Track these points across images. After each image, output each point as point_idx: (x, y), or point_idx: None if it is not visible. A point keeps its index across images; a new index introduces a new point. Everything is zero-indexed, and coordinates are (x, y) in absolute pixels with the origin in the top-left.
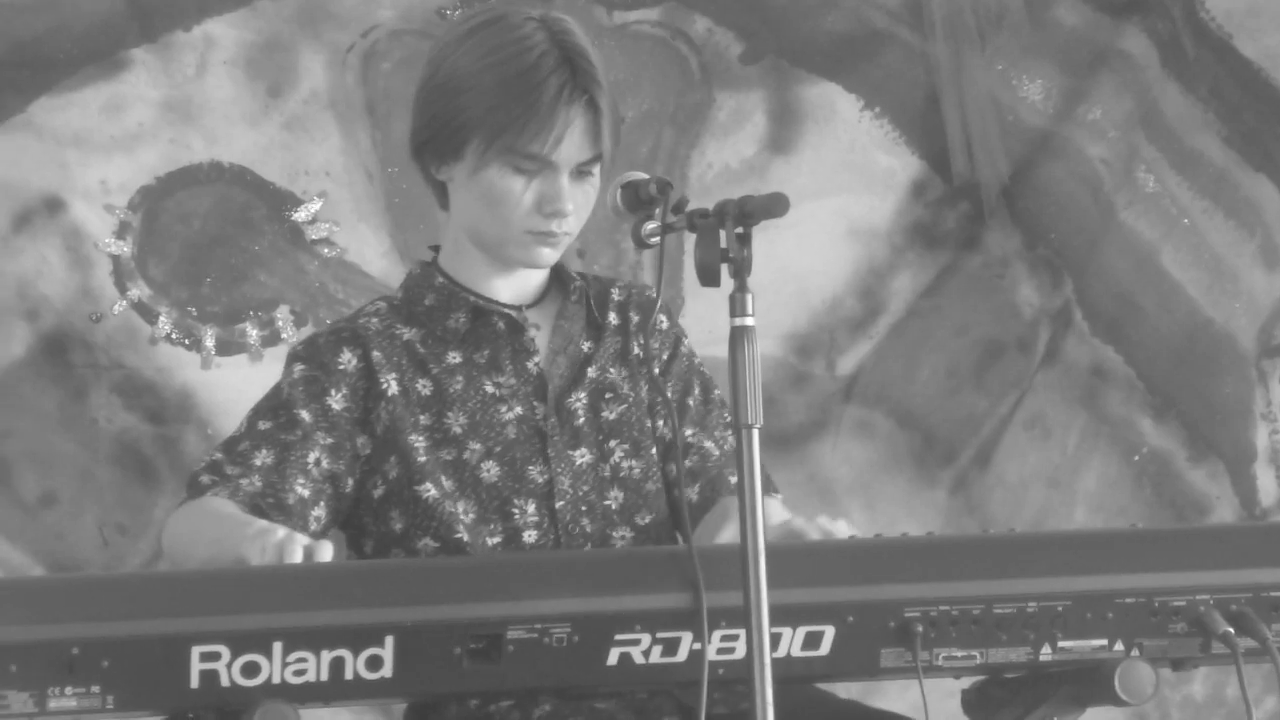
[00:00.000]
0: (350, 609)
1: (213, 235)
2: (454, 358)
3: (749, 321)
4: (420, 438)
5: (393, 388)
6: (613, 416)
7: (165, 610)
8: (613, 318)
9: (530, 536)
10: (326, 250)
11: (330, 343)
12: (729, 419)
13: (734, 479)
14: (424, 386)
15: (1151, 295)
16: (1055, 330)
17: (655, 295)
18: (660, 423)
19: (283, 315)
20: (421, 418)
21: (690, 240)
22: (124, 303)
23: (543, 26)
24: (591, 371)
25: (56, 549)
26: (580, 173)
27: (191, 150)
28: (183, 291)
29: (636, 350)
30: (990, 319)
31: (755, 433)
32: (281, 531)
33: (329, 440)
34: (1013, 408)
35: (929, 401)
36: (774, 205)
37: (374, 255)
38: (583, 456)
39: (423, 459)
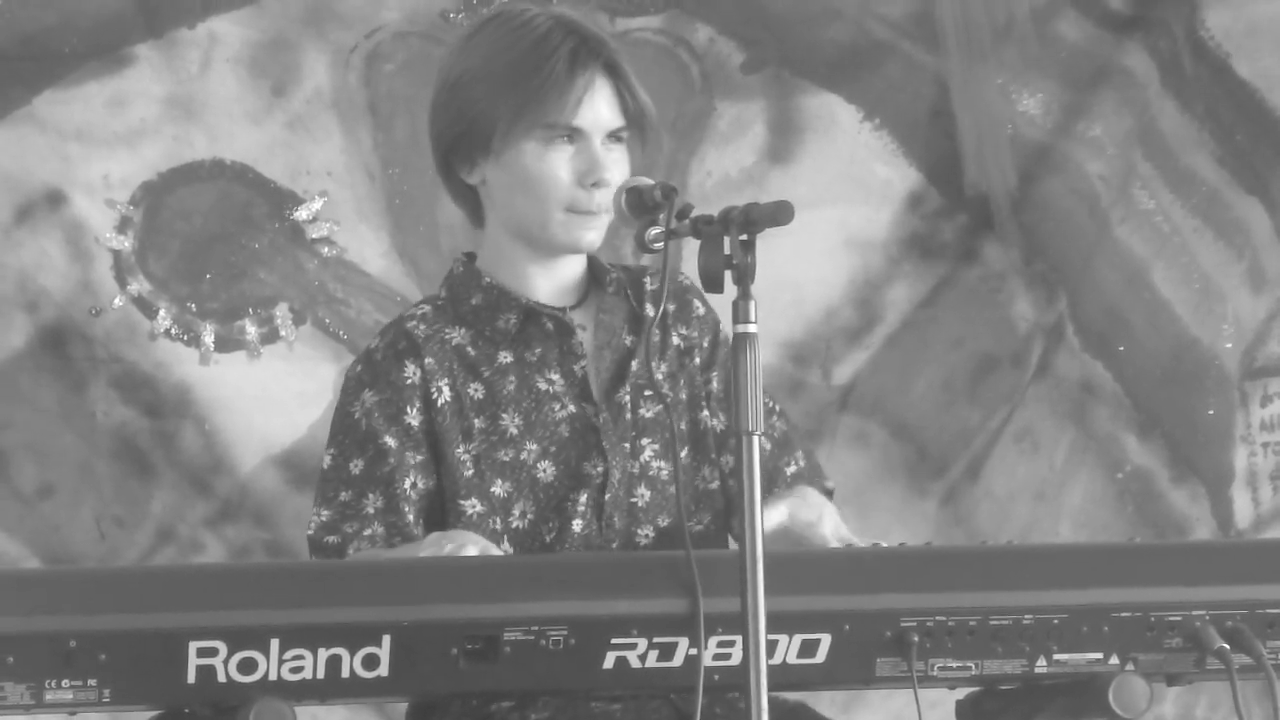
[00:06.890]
0: (348, 607)
1: (213, 232)
2: (505, 357)
3: (751, 328)
4: (465, 451)
5: (444, 395)
6: (649, 415)
7: (163, 605)
8: (649, 309)
9: (576, 526)
10: (326, 249)
11: (390, 358)
12: (770, 404)
13: (789, 469)
14: (476, 390)
15: (1141, 313)
16: (1048, 345)
17: (660, 289)
18: (705, 413)
19: (281, 313)
20: (477, 421)
21: (689, 245)
22: (123, 297)
23: (546, 13)
24: (634, 366)
25: (53, 541)
26: (612, 141)
27: (194, 147)
28: (182, 287)
29: (676, 341)
30: (985, 332)
31: (756, 440)
32: (451, 545)
33: (419, 458)
34: (1004, 421)
35: (924, 414)
36: (779, 213)
37: (374, 255)
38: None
39: (469, 472)
